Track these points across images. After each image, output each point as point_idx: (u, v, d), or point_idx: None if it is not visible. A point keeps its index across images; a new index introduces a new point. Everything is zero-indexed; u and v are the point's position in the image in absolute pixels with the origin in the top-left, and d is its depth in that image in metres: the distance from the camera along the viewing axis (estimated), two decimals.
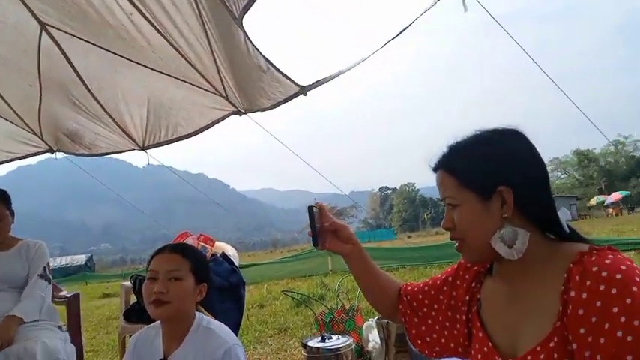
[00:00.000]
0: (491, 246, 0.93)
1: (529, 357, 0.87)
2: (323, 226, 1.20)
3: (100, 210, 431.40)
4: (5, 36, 2.84)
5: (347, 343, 2.16)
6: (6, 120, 3.79)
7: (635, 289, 0.76)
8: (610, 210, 37.10)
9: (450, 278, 1.18)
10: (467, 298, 1.11)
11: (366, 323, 2.86)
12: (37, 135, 4.02)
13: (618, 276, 0.77)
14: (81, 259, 46.21)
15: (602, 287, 0.77)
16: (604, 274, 0.78)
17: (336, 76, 2.94)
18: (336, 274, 10.68)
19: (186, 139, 3.75)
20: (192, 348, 1.50)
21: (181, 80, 3.11)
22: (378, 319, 2.53)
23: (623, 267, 0.79)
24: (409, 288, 1.27)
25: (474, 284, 1.11)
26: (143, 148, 3.91)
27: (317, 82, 3.00)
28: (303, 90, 3.03)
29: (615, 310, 0.75)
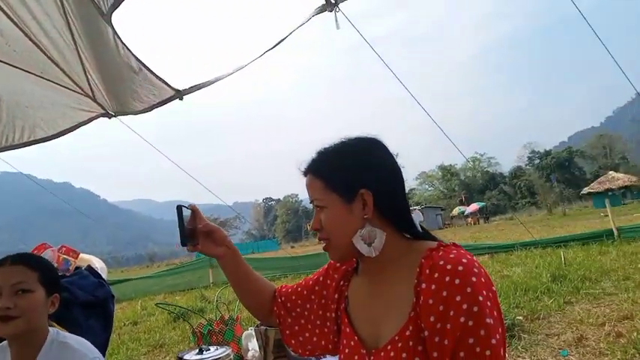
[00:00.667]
0: (354, 245, 1.00)
1: (389, 347, 0.93)
2: (197, 228, 1.18)
3: None
4: None
5: (225, 353, 2.12)
6: None
7: (474, 279, 0.86)
8: (469, 219, 41.31)
9: (321, 278, 1.23)
10: (336, 296, 1.16)
11: (245, 333, 2.83)
12: None
13: (460, 268, 0.87)
14: None
15: (447, 279, 0.86)
16: (449, 267, 0.88)
17: (214, 81, 2.90)
18: (218, 286, 10.41)
19: (45, 141, 3.39)
20: None
21: (40, 77, 2.82)
22: (256, 326, 2.52)
23: (464, 260, 0.89)
24: (283, 290, 1.30)
25: (342, 283, 1.17)
26: None
27: (194, 86, 2.93)
28: (180, 94, 2.94)
29: (458, 298, 0.84)
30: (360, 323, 1.07)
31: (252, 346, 2.66)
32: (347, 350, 1.06)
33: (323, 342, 1.19)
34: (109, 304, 2.45)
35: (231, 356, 2.15)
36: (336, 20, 2.50)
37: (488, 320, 0.83)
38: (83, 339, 1.50)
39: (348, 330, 1.08)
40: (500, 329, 0.86)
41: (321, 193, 1.04)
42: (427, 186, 76.27)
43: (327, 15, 2.51)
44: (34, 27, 2.40)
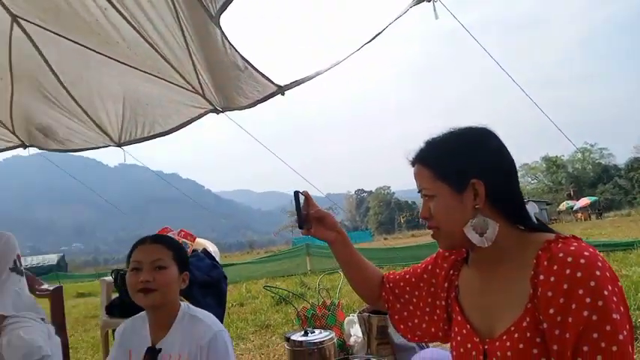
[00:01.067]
0: (464, 234, 0.99)
1: (505, 337, 0.92)
2: (309, 213, 1.24)
3: (70, 209, 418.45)
4: None
5: (329, 337, 2.20)
6: None
7: (598, 272, 0.82)
8: (579, 214, 37.70)
9: (430, 267, 1.23)
10: (445, 285, 1.16)
11: (347, 319, 2.91)
12: (8, 129, 3.89)
13: (582, 261, 0.83)
14: (52, 258, 44.44)
15: (568, 271, 0.83)
16: (569, 259, 0.84)
17: (313, 77, 2.96)
18: (315, 274, 10.67)
19: (163, 136, 3.72)
20: (179, 335, 1.52)
21: (157, 77, 3.07)
22: (359, 313, 2.58)
23: (586, 253, 0.85)
24: (391, 276, 1.32)
25: (451, 272, 1.17)
26: (119, 145, 3.87)
27: (294, 82, 3.01)
28: (281, 90, 3.03)
29: (581, 292, 0.81)
30: (471, 312, 1.07)
31: (355, 331, 2.72)
32: (459, 338, 1.06)
33: (433, 329, 1.20)
34: (222, 284, 2.65)
35: (335, 340, 2.22)
36: (435, 10, 2.44)
37: (614, 316, 0.79)
38: (210, 313, 1.64)
39: (459, 318, 1.08)
40: (627, 326, 0.82)
41: (429, 182, 1.04)
42: (530, 179, 70.60)
43: (425, 5, 2.46)
44: (150, 30, 2.60)
